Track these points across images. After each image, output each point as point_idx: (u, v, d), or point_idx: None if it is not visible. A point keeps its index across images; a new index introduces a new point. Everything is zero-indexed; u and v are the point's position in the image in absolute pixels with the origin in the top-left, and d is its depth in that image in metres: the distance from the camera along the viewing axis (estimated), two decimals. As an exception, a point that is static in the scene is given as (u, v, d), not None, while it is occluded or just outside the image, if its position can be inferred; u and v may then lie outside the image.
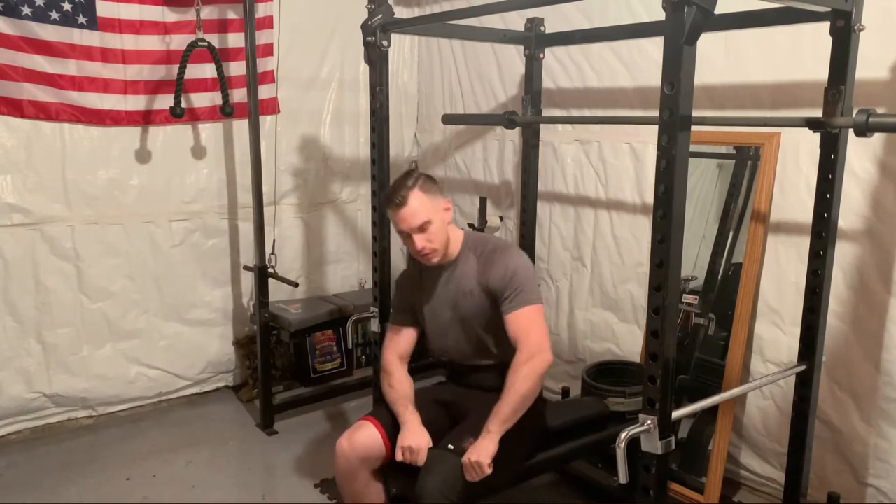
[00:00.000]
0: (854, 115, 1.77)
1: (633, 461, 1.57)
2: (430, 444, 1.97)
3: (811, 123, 1.92)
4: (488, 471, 1.85)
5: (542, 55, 2.94)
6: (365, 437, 2.04)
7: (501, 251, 2.12)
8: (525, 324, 2.02)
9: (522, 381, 1.94)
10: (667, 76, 1.44)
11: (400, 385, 2.15)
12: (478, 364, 2.20)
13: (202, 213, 3.49)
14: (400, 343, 2.25)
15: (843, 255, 2.25)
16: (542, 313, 2.07)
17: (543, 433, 2.17)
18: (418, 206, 2.03)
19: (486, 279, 2.09)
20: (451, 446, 1.92)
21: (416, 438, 1.97)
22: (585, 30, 2.81)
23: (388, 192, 2.11)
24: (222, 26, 3.34)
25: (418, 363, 3.88)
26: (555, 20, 2.91)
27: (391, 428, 2.05)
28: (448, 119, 3.23)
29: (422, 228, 2.05)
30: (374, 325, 2.62)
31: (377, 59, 2.46)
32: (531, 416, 2.03)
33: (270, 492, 2.79)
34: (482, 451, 1.87)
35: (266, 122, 3.47)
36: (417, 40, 4.02)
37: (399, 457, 1.95)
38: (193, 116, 3.37)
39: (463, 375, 2.25)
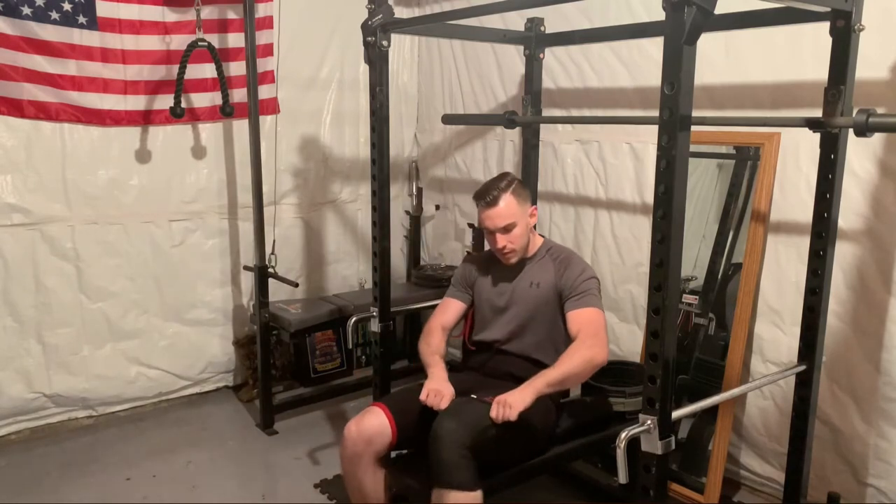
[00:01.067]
0: (854, 115, 1.77)
1: (633, 461, 1.57)
2: (454, 395, 2.05)
3: (811, 123, 1.92)
4: (515, 416, 1.90)
5: (542, 55, 2.94)
6: (373, 421, 2.08)
7: (579, 260, 2.30)
8: (589, 320, 2.14)
9: (580, 362, 2.04)
10: (667, 76, 1.44)
11: (436, 345, 2.30)
12: (513, 351, 2.28)
13: (202, 213, 3.49)
14: (447, 314, 2.40)
15: (843, 255, 2.25)
16: (605, 321, 2.19)
17: (552, 433, 2.20)
18: (507, 208, 2.17)
19: (560, 277, 2.22)
20: (474, 396, 2.01)
21: (442, 385, 2.08)
22: (585, 30, 2.81)
23: (480, 189, 2.23)
24: (222, 26, 3.34)
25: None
26: (555, 20, 2.91)
27: (399, 415, 2.09)
28: (448, 119, 3.23)
29: (506, 229, 2.19)
30: (374, 325, 2.62)
31: (377, 59, 2.46)
32: (547, 413, 2.09)
33: (270, 492, 2.79)
34: (517, 397, 1.93)
35: (266, 122, 3.47)
36: (417, 40, 4.02)
37: (423, 396, 2.04)
38: (193, 116, 3.37)
39: (492, 357, 2.31)
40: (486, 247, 2.39)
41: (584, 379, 2.10)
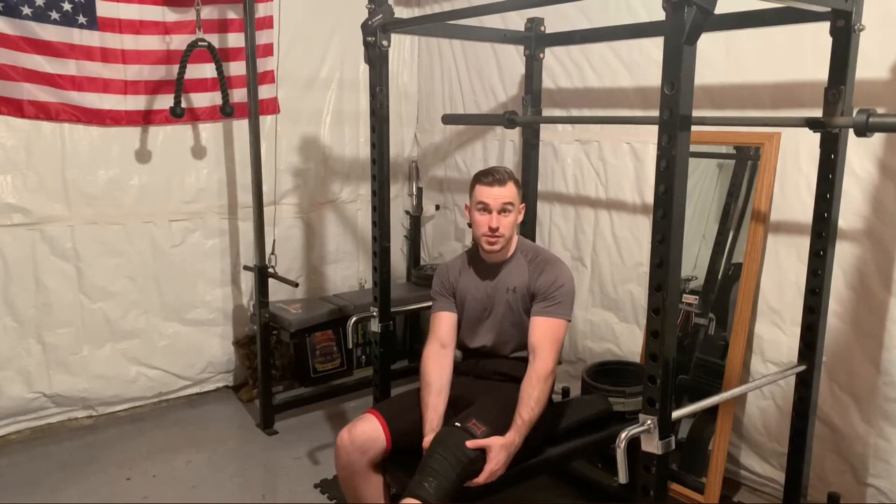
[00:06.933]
0: (854, 115, 1.77)
1: (633, 461, 1.57)
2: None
3: (811, 123, 1.92)
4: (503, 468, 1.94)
5: (542, 55, 2.94)
6: (365, 428, 2.07)
7: (554, 263, 2.26)
8: (551, 335, 2.14)
9: (543, 388, 2.06)
10: (667, 76, 1.44)
11: (429, 386, 2.16)
12: (500, 353, 2.29)
13: (202, 213, 3.49)
14: (442, 329, 2.31)
15: (843, 255, 2.25)
16: (566, 331, 2.20)
17: (547, 436, 2.20)
18: (511, 191, 2.20)
19: (534, 280, 2.21)
20: (457, 424, 1.98)
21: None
22: (585, 30, 2.81)
23: (485, 170, 2.25)
24: (222, 26, 3.34)
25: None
26: (555, 20, 2.91)
27: (394, 421, 2.08)
28: (448, 119, 3.23)
29: (503, 210, 2.18)
30: (374, 325, 2.62)
31: (377, 59, 2.46)
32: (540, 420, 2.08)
33: (270, 492, 2.79)
34: (504, 457, 1.93)
35: (266, 122, 3.46)
36: (417, 40, 4.02)
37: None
38: (193, 116, 3.37)
39: (481, 361, 2.32)
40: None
41: (549, 394, 2.12)
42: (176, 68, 3.11)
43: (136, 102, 3.22)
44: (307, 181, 3.79)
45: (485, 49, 3.55)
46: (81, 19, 3.04)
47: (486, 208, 2.19)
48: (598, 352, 3.12)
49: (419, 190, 4.09)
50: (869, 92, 2.07)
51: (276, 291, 3.43)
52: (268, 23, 3.42)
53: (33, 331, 3.14)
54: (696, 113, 1.49)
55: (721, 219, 2.68)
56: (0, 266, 3.03)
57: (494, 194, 2.17)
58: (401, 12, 3.73)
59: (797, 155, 2.40)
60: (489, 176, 2.19)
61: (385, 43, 2.44)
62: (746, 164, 2.59)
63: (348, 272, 4.05)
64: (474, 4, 2.18)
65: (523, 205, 2.30)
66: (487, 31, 2.89)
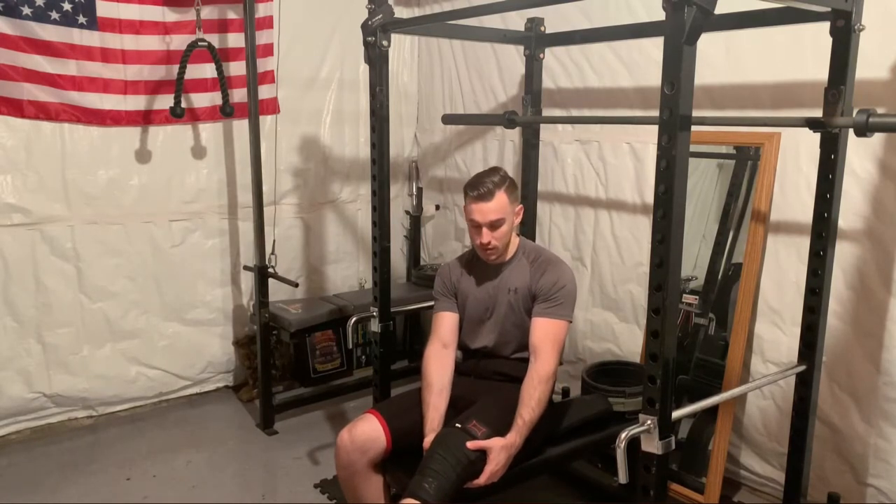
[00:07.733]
0: (854, 115, 1.77)
1: (633, 461, 1.58)
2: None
3: (811, 123, 1.92)
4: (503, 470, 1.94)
5: (542, 55, 2.94)
6: (366, 428, 2.07)
7: (556, 264, 2.25)
8: (553, 336, 2.14)
9: (543, 396, 2.05)
10: (667, 76, 1.44)
11: (430, 387, 2.15)
12: (501, 354, 2.29)
13: (202, 213, 3.49)
14: (444, 329, 2.30)
15: (843, 255, 2.25)
16: (566, 332, 2.20)
17: (547, 436, 2.20)
18: (498, 204, 2.14)
19: (536, 281, 2.21)
20: (458, 425, 1.98)
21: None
22: (585, 30, 2.81)
23: (473, 180, 2.19)
24: (222, 26, 3.34)
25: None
26: (555, 20, 2.91)
27: (394, 421, 2.08)
28: (448, 119, 3.23)
29: (493, 225, 2.16)
30: (374, 325, 2.62)
31: (377, 59, 2.46)
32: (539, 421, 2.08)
33: (270, 492, 2.80)
34: (504, 458, 1.93)
35: (266, 122, 3.47)
36: (417, 40, 4.02)
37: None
38: (193, 116, 3.37)
39: (482, 361, 2.32)
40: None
41: (550, 396, 2.12)
42: (176, 68, 3.11)
43: (136, 102, 3.22)
44: (307, 181, 3.79)
45: (485, 49, 3.55)
46: (81, 19, 3.04)
47: (475, 224, 2.18)
48: (598, 352, 3.12)
49: (419, 190, 4.09)
50: (869, 92, 2.07)
51: (276, 291, 3.44)
52: (268, 23, 3.42)
53: (33, 331, 3.14)
54: (696, 113, 1.49)
55: (721, 219, 2.68)
56: (0, 266, 3.03)
57: (483, 210, 2.14)
58: (401, 12, 3.73)
59: (797, 155, 2.40)
60: (476, 189, 2.14)
61: (385, 43, 2.44)
62: (746, 164, 2.59)
63: (348, 272, 4.05)
64: (474, 4, 2.18)
65: (520, 206, 2.27)
66: (487, 31, 2.89)
